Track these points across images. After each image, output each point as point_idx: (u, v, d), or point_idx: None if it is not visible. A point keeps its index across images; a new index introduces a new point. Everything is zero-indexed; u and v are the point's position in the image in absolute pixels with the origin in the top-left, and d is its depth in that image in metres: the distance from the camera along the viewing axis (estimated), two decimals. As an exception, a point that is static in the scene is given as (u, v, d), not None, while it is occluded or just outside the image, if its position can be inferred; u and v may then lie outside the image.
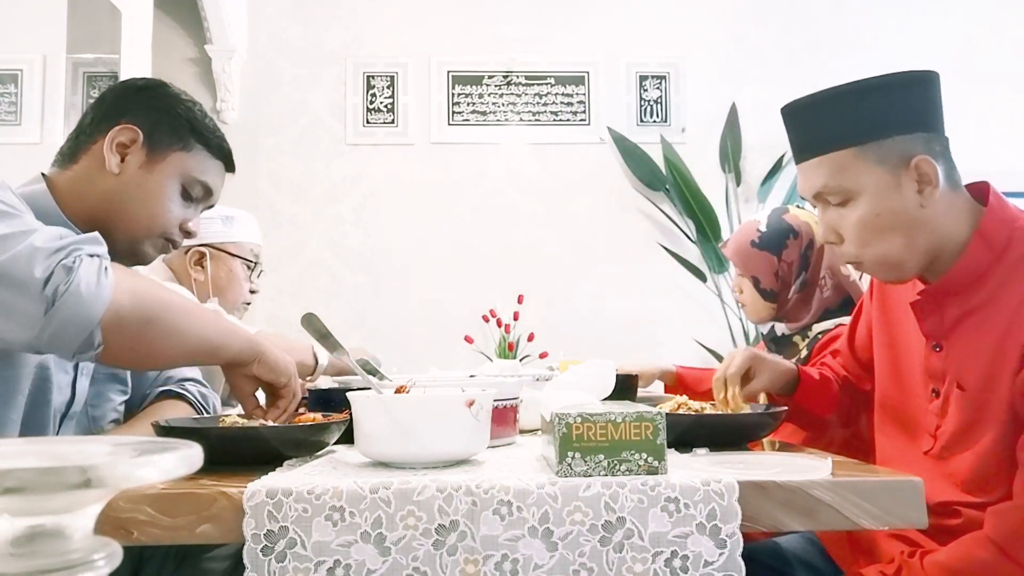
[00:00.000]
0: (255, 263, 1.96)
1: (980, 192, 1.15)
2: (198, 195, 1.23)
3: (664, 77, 3.64)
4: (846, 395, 1.40)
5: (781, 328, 1.76)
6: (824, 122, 1.14)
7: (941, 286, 1.14)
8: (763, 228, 1.73)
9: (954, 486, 1.12)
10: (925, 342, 1.18)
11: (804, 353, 1.69)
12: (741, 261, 1.74)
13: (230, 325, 1.09)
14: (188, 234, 1.24)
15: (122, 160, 1.16)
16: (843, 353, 1.43)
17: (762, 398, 1.29)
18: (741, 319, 3.33)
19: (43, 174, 1.18)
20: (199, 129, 1.21)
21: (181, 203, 1.21)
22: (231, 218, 1.93)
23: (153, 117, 1.18)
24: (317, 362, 1.67)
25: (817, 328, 1.69)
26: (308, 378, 1.67)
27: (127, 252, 1.18)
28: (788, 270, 1.70)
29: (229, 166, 1.28)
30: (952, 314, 1.14)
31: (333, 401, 1.22)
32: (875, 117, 1.11)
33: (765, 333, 1.81)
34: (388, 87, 3.58)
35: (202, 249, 1.88)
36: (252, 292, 1.97)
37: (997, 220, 1.11)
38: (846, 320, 1.64)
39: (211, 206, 1.29)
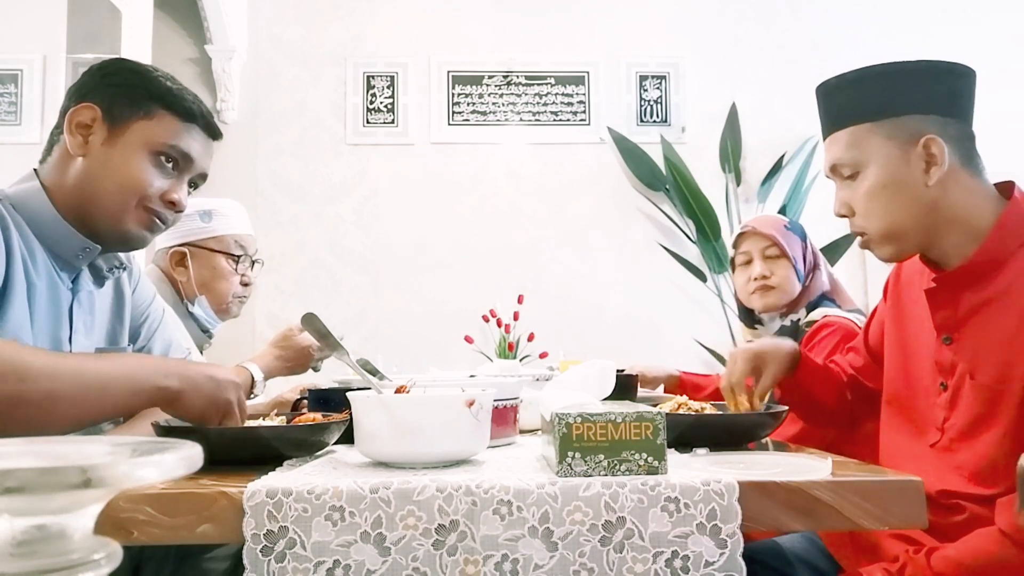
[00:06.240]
0: (240, 255, 1.87)
1: (1007, 191, 1.17)
2: (174, 162, 1.18)
3: (664, 77, 3.64)
4: (851, 392, 1.40)
5: (788, 318, 1.80)
6: (849, 98, 1.18)
7: (957, 274, 1.15)
8: (786, 221, 1.87)
9: (961, 478, 1.12)
10: (936, 336, 1.19)
11: None
12: (785, 239, 1.81)
13: (135, 382, 0.99)
14: (174, 204, 1.18)
15: (86, 141, 1.13)
16: (856, 348, 1.44)
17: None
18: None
19: (35, 170, 1.17)
20: (158, 93, 1.16)
21: (157, 173, 1.16)
22: (209, 212, 1.85)
23: (110, 92, 1.15)
24: (254, 379, 1.64)
25: (803, 320, 1.77)
26: (253, 394, 1.65)
27: (114, 237, 1.16)
28: (812, 258, 1.82)
29: (211, 132, 1.22)
30: (966, 305, 1.15)
31: (333, 401, 1.22)
32: (894, 96, 1.15)
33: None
34: (388, 87, 3.57)
35: (182, 249, 1.82)
36: (245, 284, 1.89)
37: (1020, 213, 1.13)
38: (832, 311, 1.69)
39: (203, 176, 1.23)
